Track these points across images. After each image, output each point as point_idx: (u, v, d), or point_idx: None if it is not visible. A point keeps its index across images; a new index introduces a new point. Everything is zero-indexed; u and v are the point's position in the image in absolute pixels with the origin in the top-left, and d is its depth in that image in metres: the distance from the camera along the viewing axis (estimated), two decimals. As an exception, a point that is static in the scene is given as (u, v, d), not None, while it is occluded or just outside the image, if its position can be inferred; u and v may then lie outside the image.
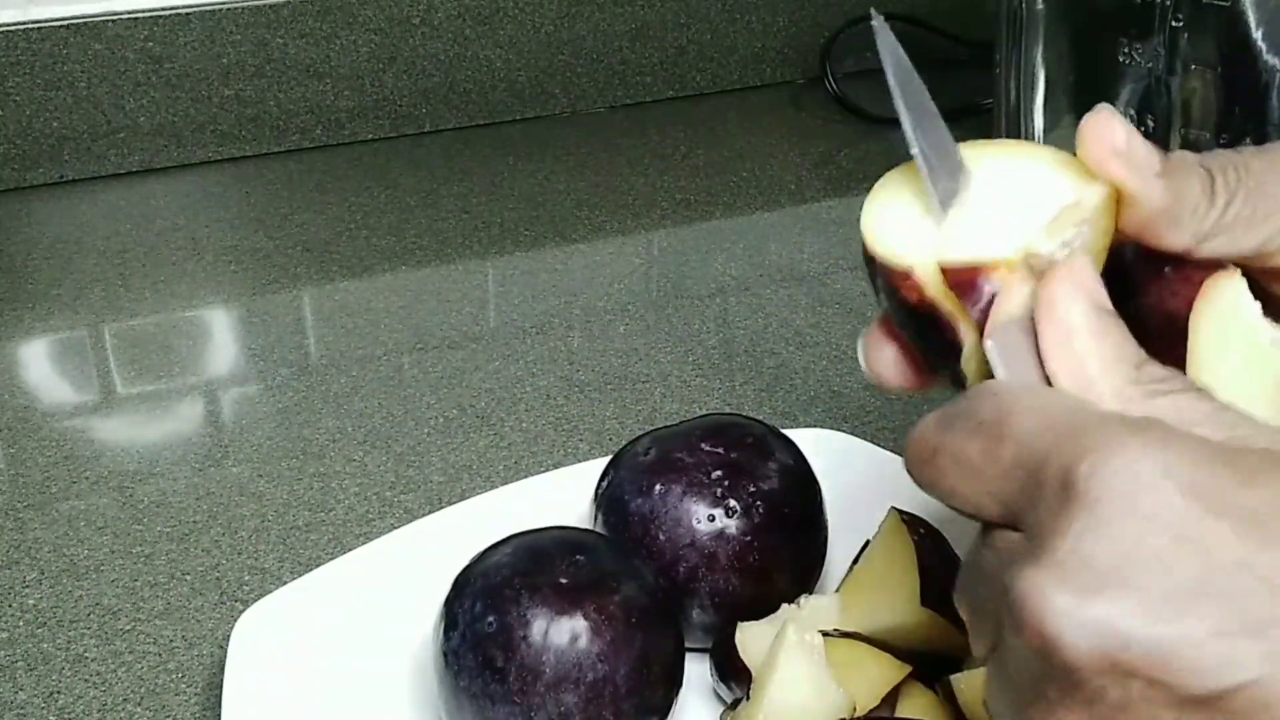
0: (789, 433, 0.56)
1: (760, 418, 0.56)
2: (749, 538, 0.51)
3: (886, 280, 0.36)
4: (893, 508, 0.50)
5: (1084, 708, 0.29)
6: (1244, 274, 0.36)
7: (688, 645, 0.50)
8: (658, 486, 0.51)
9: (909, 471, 0.33)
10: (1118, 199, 0.35)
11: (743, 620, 0.50)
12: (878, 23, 0.37)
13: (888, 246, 0.36)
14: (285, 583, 0.56)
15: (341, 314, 0.84)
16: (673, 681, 0.48)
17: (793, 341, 0.79)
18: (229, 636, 0.52)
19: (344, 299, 0.86)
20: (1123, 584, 0.28)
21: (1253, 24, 0.65)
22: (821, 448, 0.58)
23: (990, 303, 0.34)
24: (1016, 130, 0.80)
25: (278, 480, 0.67)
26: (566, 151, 1.09)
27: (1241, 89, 0.67)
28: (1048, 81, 0.78)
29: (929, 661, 0.48)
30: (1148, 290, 0.36)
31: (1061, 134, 0.79)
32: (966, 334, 0.35)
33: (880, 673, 0.47)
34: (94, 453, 0.71)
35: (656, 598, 0.48)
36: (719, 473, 0.51)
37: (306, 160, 1.07)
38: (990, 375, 0.34)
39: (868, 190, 0.37)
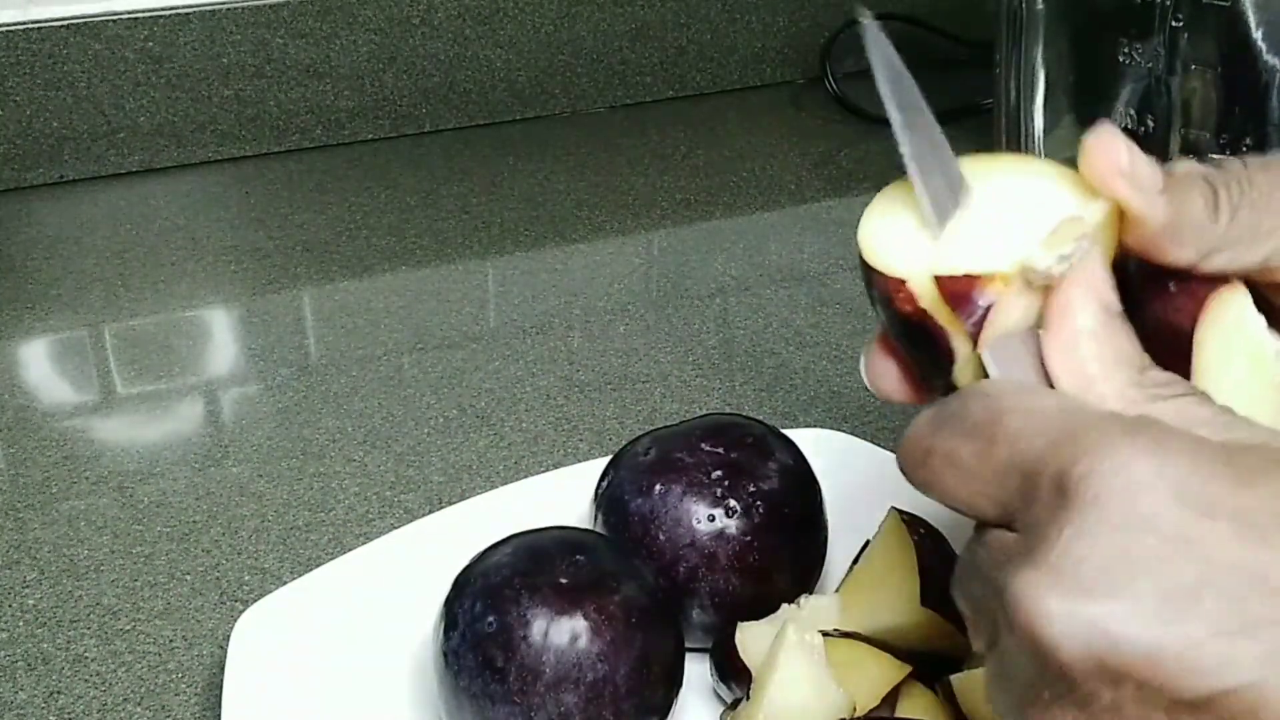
0: (789, 433, 0.56)
1: (760, 418, 0.56)
2: (749, 538, 0.51)
3: (881, 290, 0.36)
4: (893, 508, 0.50)
5: (1078, 710, 0.29)
6: (1248, 288, 0.36)
7: (688, 645, 0.50)
8: (658, 486, 0.51)
9: (903, 473, 0.34)
10: (1120, 214, 0.35)
11: (743, 620, 0.50)
12: (868, 22, 0.37)
13: (882, 256, 0.36)
14: (285, 583, 0.56)
15: (341, 314, 0.84)
16: (673, 681, 0.48)
17: (793, 341, 0.79)
18: (229, 636, 0.52)
19: (344, 299, 0.86)
20: (1115, 588, 0.28)
21: (1253, 24, 0.65)
22: (821, 448, 0.58)
23: (985, 315, 0.34)
24: (1016, 130, 0.80)
25: (278, 480, 0.67)
26: (566, 151, 1.09)
27: (1241, 89, 0.67)
28: (1048, 81, 0.78)
29: (929, 661, 0.48)
30: (1151, 305, 0.36)
31: (1061, 134, 0.79)
32: (960, 345, 0.35)
33: (880, 673, 0.47)
34: (94, 453, 0.71)
35: (656, 598, 0.48)
36: (719, 473, 0.51)
37: (306, 160, 1.07)
38: None
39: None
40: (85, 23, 1.00)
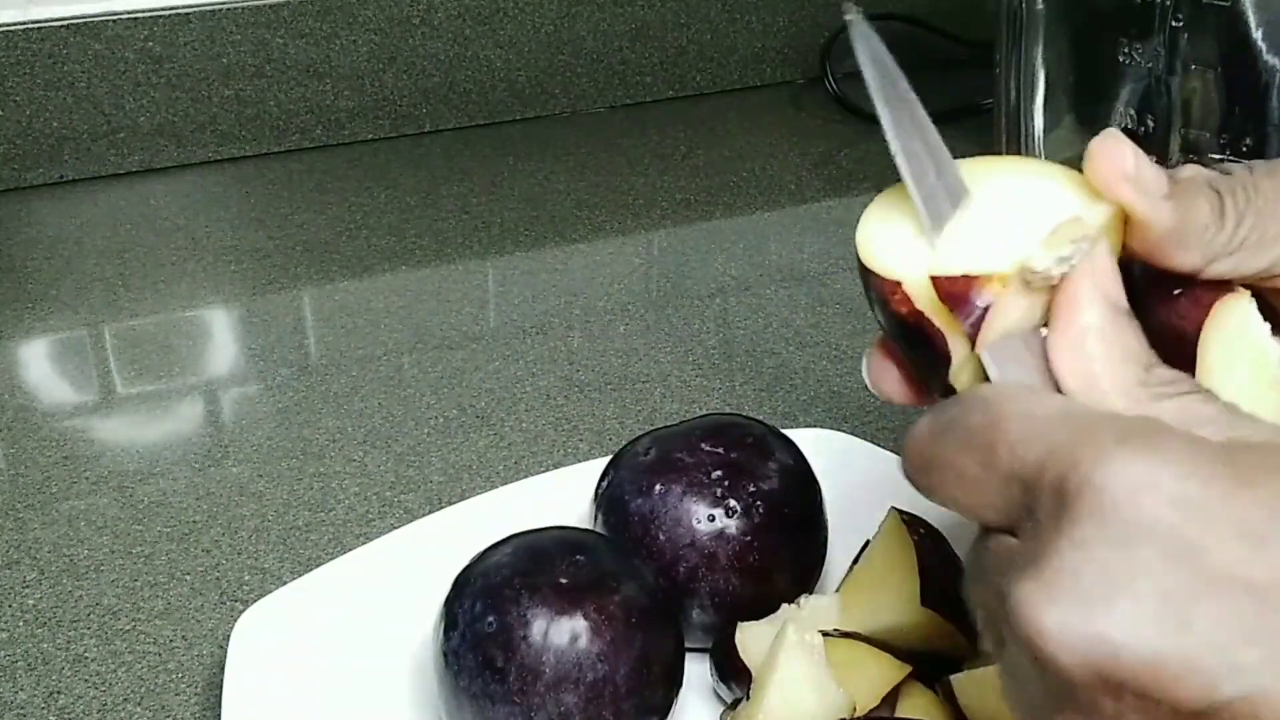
0: (789, 433, 0.56)
1: (760, 418, 0.56)
2: (749, 538, 0.51)
3: (878, 292, 0.36)
4: (893, 508, 0.50)
5: (1082, 718, 0.29)
6: (1253, 294, 0.36)
7: (688, 645, 0.50)
8: (658, 486, 0.51)
9: (907, 479, 0.33)
10: (1124, 219, 0.35)
11: (743, 620, 0.50)
12: (855, 18, 0.36)
13: (879, 258, 0.36)
14: (285, 583, 0.56)
15: (341, 314, 0.84)
16: (673, 681, 0.48)
17: (793, 341, 0.79)
18: (229, 636, 0.52)
19: (344, 299, 0.86)
20: (1113, 598, 0.28)
21: (1253, 24, 0.65)
22: (821, 448, 0.58)
23: (983, 316, 0.34)
24: (1016, 130, 0.80)
25: (278, 480, 0.67)
26: (566, 151, 1.09)
27: (1241, 89, 0.67)
28: (1048, 81, 0.78)
29: (929, 661, 0.48)
30: (1156, 310, 0.36)
31: (1061, 134, 0.79)
32: (957, 347, 0.35)
33: (880, 673, 0.47)
34: (94, 453, 0.71)
35: (656, 598, 0.48)
36: (719, 473, 0.51)
37: (306, 160, 1.07)
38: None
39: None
40: (85, 23, 1.00)
